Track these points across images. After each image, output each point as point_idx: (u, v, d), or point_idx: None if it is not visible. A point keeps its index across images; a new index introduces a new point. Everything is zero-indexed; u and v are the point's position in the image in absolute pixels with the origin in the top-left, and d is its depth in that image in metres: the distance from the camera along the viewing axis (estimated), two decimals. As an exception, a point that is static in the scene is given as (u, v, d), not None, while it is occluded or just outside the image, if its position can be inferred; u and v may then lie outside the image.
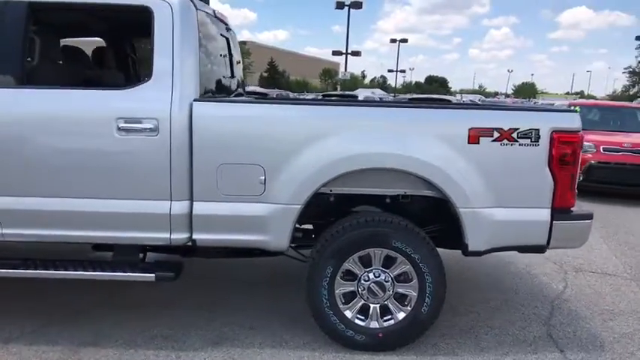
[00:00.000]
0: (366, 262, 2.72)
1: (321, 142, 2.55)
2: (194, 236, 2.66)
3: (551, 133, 2.58)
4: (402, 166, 2.58)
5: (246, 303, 3.33)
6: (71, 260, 2.78)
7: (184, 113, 2.54)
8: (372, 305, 2.76)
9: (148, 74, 2.62)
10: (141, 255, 2.88)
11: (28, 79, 2.61)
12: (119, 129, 2.52)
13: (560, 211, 2.68)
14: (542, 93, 75.34)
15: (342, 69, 34.32)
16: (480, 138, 2.57)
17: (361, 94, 16.83)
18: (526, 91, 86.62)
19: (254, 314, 3.17)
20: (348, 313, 2.75)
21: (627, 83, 50.51)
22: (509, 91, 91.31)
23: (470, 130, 2.57)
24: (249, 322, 3.08)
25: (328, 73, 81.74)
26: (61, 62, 3.30)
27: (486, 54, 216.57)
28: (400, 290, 2.74)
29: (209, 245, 2.75)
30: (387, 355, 2.74)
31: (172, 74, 2.57)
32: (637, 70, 48.24)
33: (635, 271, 4.28)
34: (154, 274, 2.69)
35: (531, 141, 2.59)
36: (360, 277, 2.73)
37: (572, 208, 2.72)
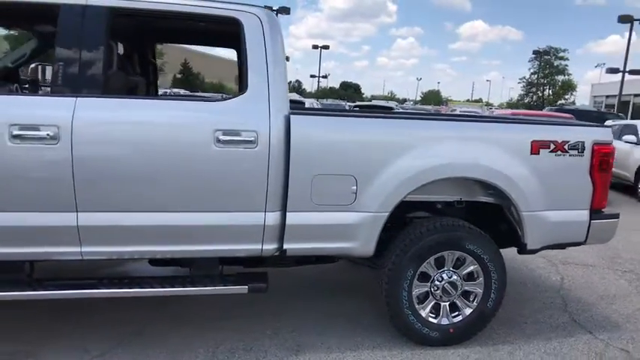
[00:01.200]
0: (440, 264, 2.94)
1: (410, 153, 2.73)
2: (285, 246, 2.70)
3: (593, 145, 3.01)
4: (479, 175, 2.84)
5: (304, 309, 3.38)
6: (155, 277, 2.68)
7: (281, 126, 2.58)
8: (442, 303, 2.99)
9: (242, 87, 2.61)
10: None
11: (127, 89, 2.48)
12: (218, 141, 2.50)
13: (596, 212, 3.12)
14: (449, 100, 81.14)
15: None
16: (540, 149, 2.92)
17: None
18: (433, 98, 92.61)
19: (315, 319, 3.25)
20: (423, 312, 2.96)
21: (522, 92, 56.31)
22: (418, 98, 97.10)
23: (532, 142, 2.91)
24: (315, 327, 3.15)
25: None
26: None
27: (394, 62, 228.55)
28: (467, 288, 3.00)
29: (297, 254, 2.80)
30: (456, 348, 2.99)
31: (268, 86, 2.59)
32: (530, 81, 54.00)
33: (608, 261, 4.97)
34: (246, 286, 2.68)
35: (578, 152, 2.99)
36: (434, 278, 2.95)
37: (603, 210, 3.18)
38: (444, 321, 2.99)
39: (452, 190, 3.04)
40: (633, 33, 28.11)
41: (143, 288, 2.59)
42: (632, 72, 28.55)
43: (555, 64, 53.15)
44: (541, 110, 18.50)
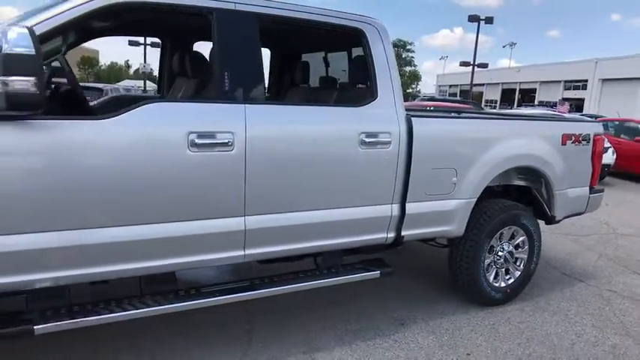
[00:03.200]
0: (500, 238, 3.58)
1: (495, 147, 3.28)
2: (402, 233, 3.05)
3: (594, 136, 3.91)
4: (534, 163, 3.51)
5: (365, 295, 3.74)
6: (294, 272, 2.82)
7: (405, 127, 2.91)
8: (501, 270, 3.64)
9: (372, 93, 2.86)
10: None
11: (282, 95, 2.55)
12: (362, 143, 2.74)
13: (591, 188, 4.06)
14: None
15: (141, 60, 31.13)
16: (567, 141, 3.71)
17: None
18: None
19: (383, 300, 3.65)
20: (490, 278, 3.58)
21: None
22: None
23: (563, 135, 3.68)
24: (392, 310, 3.52)
25: (88, 61, 73.71)
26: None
27: None
28: (517, 255, 3.70)
29: (410, 240, 3.17)
30: (511, 304, 3.67)
31: (393, 92, 2.90)
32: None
33: (552, 228, 6.18)
34: (378, 272, 2.99)
35: (587, 142, 3.86)
36: (497, 250, 3.58)
37: (595, 187, 4.13)
38: (502, 284, 3.66)
39: (498, 177, 3.67)
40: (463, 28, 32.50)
41: (298, 284, 2.73)
42: (480, 65, 33.27)
43: (403, 57, 58.68)
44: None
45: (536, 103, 42.10)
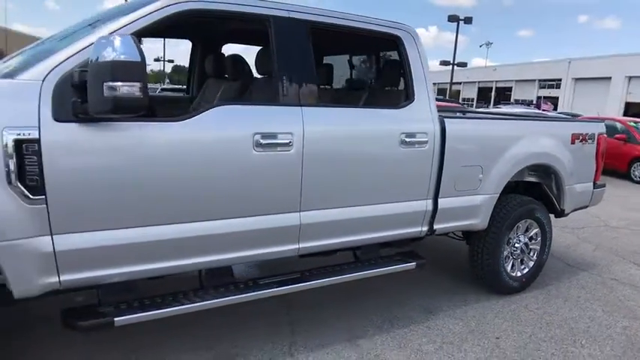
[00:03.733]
0: (517, 230, 3.83)
1: (515, 146, 3.52)
2: (435, 227, 3.26)
3: (598, 135, 4.20)
4: (548, 161, 3.77)
5: (387, 288, 3.95)
6: (338, 264, 2.99)
7: (439, 127, 3.11)
8: (517, 260, 3.90)
9: (409, 95, 3.05)
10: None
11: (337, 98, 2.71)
12: (402, 142, 2.93)
13: (595, 184, 4.35)
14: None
15: None
16: (575, 140, 3.99)
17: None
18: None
19: (406, 292, 3.86)
20: (508, 268, 3.82)
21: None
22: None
23: (572, 135, 3.96)
24: (418, 300, 3.75)
25: None
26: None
27: None
28: (531, 246, 3.96)
29: (440, 233, 3.37)
30: (526, 292, 3.93)
31: (428, 94, 3.10)
32: None
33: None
34: (414, 263, 3.19)
35: (592, 141, 4.15)
36: (514, 242, 3.83)
37: (597, 182, 4.43)
38: (518, 273, 3.91)
39: (517, 174, 3.91)
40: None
41: (344, 275, 2.91)
42: (459, 64, 34.01)
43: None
44: None
45: (512, 101, 43.23)
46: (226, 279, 2.65)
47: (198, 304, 2.43)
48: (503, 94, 49.94)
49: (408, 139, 2.95)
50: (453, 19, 32.57)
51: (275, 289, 2.67)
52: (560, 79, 41.53)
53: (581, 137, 4.04)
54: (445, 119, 3.16)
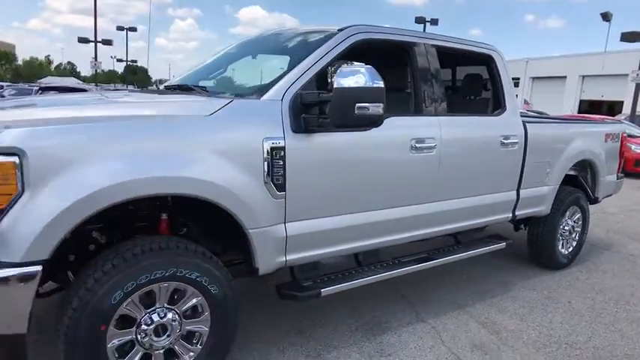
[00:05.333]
0: (566, 215, 4.59)
1: (571, 145, 4.27)
2: (516, 213, 3.95)
3: (621, 134, 5.04)
4: (591, 156, 4.54)
5: (455, 269, 4.60)
6: (440, 248, 3.62)
7: (523, 130, 3.79)
8: (564, 241, 4.65)
9: (501, 104, 3.71)
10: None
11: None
12: (501, 144, 3.59)
13: (617, 175, 5.20)
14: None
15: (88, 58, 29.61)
16: (607, 139, 4.80)
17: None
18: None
19: (473, 272, 4.54)
20: (559, 247, 4.58)
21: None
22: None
23: (605, 134, 4.76)
24: (492, 276, 4.43)
25: (5, 56, 69.02)
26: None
27: (174, 44, 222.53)
28: (576, 229, 4.74)
29: (519, 219, 4.06)
30: (570, 267, 4.70)
31: (514, 103, 3.77)
32: None
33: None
34: (504, 243, 3.86)
35: (617, 140, 4.98)
36: (564, 225, 4.59)
37: (618, 174, 5.27)
38: (566, 252, 4.68)
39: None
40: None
41: (458, 254, 3.54)
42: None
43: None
44: None
45: (474, 99, 45.18)
46: (375, 259, 3.22)
47: (382, 274, 3.03)
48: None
49: (505, 141, 3.61)
50: (419, 20, 33.82)
51: (416, 266, 3.27)
52: (518, 78, 43.83)
53: (611, 136, 4.85)
54: (527, 124, 3.85)
